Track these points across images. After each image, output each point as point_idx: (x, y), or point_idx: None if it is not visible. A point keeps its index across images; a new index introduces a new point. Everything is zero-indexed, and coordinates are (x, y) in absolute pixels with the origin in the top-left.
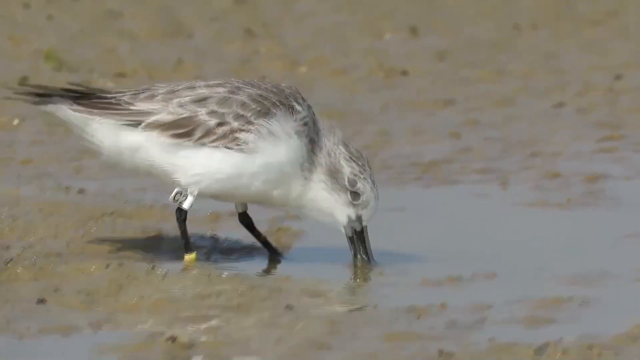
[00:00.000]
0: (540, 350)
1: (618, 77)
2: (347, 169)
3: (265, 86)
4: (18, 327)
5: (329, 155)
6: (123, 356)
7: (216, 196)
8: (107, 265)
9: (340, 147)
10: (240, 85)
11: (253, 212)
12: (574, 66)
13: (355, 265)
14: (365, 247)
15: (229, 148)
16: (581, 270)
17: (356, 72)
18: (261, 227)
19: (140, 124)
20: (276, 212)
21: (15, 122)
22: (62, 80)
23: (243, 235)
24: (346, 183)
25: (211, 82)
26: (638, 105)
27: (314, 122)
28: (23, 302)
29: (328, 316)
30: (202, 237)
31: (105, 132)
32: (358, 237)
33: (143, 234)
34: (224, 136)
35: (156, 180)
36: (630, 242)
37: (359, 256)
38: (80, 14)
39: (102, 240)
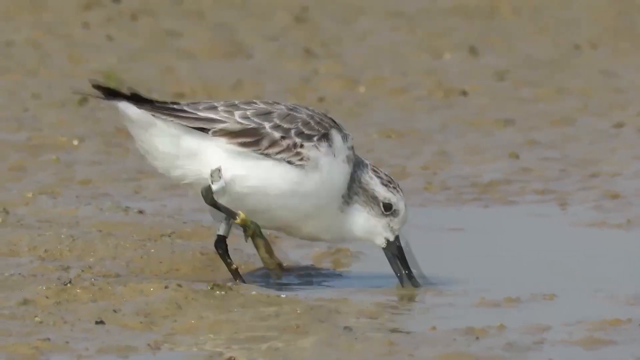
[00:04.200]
0: None
1: None
2: (381, 195)
3: (313, 110)
4: (77, 347)
5: (362, 187)
6: None
7: (262, 216)
8: (166, 286)
9: (372, 175)
10: (294, 106)
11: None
12: (634, 85)
13: (401, 285)
14: (406, 264)
15: (291, 163)
16: None
17: (415, 92)
18: (320, 248)
19: (208, 130)
20: None
21: (75, 142)
22: None
23: (301, 256)
24: (382, 208)
25: (269, 100)
26: None
27: (354, 152)
28: (82, 323)
29: (386, 337)
30: (260, 259)
31: (166, 134)
32: (398, 252)
33: (202, 255)
34: (287, 149)
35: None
36: None
37: (402, 276)
38: (139, 34)
39: (160, 261)
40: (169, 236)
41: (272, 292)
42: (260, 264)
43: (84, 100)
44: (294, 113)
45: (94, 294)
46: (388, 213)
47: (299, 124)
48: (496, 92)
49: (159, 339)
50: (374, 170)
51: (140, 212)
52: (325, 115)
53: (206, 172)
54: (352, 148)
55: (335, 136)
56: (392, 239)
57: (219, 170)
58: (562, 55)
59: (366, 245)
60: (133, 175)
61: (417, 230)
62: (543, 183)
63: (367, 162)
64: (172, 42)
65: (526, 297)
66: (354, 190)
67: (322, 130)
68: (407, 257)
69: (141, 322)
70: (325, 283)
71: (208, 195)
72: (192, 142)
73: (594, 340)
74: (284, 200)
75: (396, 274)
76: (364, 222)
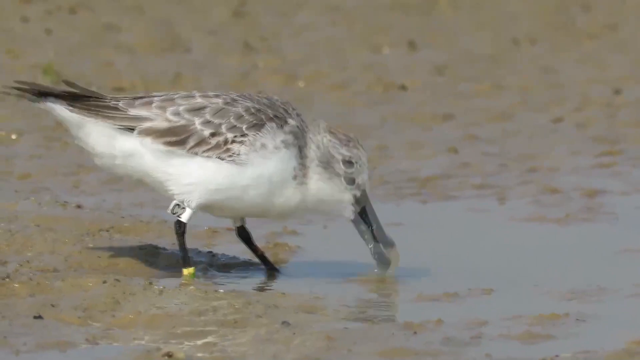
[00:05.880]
0: None
1: (617, 92)
2: (338, 155)
3: (260, 99)
4: (15, 342)
5: (318, 147)
6: None
7: (211, 209)
8: (104, 281)
9: (327, 135)
10: (237, 98)
11: (249, 228)
12: (573, 80)
13: (373, 256)
14: (376, 226)
15: (221, 159)
16: (578, 285)
17: (354, 87)
18: (258, 243)
19: (134, 129)
20: (273, 227)
21: (14, 136)
22: None
23: (240, 251)
24: (342, 167)
25: (209, 93)
26: (636, 120)
27: (301, 129)
28: (20, 318)
29: (324, 332)
30: (199, 253)
31: (99, 135)
32: (364, 218)
33: (140, 250)
34: (217, 146)
35: (154, 194)
36: (627, 258)
37: (371, 246)
38: (78, 28)
39: (99, 256)
40: (108, 231)
41: (210, 287)
42: (199, 259)
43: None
44: (229, 107)
45: (32, 289)
46: (350, 178)
47: (231, 117)
48: (435, 87)
49: (97, 333)
50: (332, 133)
51: (79, 206)
52: (272, 103)
53: (143, 168)
54: (292, 130)
55: (269, 125)
56: (359, 209)
57: (177, 205)
58: (501, 51)
59: (304, 239)
60: (72, 169)
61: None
62: (482, 178)
63: (322, 125)
64: (111, 36)
65: (464, 292)
66: (309, 153)
67: (254, 121)
68: (373, 224)
69: (79, 317)
70: (264, 278)
71: (180, 228)
72: (124, 142)
73: (531, 335)
74: (225, 193)
75: (367, 244)
76: (329, 186)
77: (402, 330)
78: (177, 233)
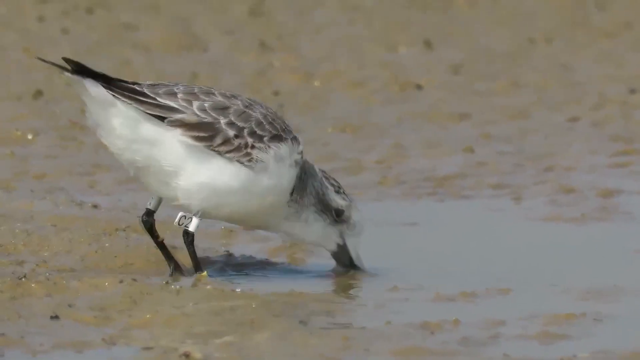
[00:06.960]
0: None
1: (633, 91)
2: (334, 203)
3: (268, 108)
4: (31, 342)
5: (318, 192)
6: None
7: (209, 212)
8: (121, 281)
9: (325, 182)
10: (252, 102)
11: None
12: (589, 78)
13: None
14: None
15: (241, 162)
16: (595, 285)
17: (371, 85)
18: (274, 243)
19: (165, 118)
20: None
21: (30, 136)
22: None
23: (256, 251)
24: (334, 214)
25: (226, 93)
26: None
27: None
28: (37, 318)
29: (341, 332)
30: (215, 252)
31: (127, 117)
32: (342, 250)
33: (156, 249)
34: (238, 149)
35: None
36: None
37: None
38: (95, 27)
39: (115, 256)
40: (124, 230)
41: (227, 287)
42: (216, 258)
43: (38, 93)
44: (249, 111)
45: (49, 289)
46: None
47: (253, 123)
48: (451, 86)
49: (114, 333)
50: (326, 178)
51: (95, 206)
52: (277, 115)
53: (159, 157)
54: (301, 152)
55: (286, 139)
56: (342, 243)
57: (183, 216)
58: (518, 48)
59: None
60: (88, 169)
61: (372, 225)
62: (498, 177)
63: (317, 169)
64: (128, 35)
65: (481, 291)
66: (306, 197)
67: (273, 131)
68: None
69: (96, 317)
70: (281, 277)
71: (189, 237)
72: (149, 129)
73: (548, 335)
74: (232, 198)
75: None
76: (320, 230)
77: (419, 330)
78: (186, 243)
